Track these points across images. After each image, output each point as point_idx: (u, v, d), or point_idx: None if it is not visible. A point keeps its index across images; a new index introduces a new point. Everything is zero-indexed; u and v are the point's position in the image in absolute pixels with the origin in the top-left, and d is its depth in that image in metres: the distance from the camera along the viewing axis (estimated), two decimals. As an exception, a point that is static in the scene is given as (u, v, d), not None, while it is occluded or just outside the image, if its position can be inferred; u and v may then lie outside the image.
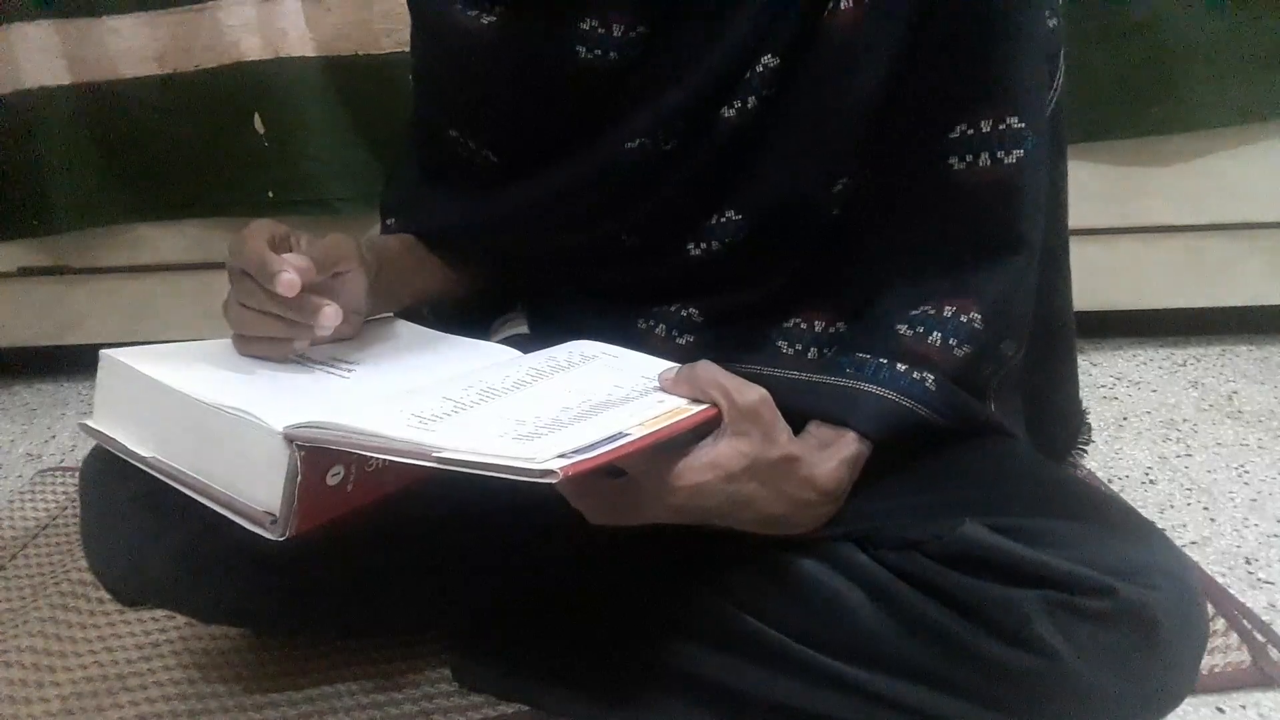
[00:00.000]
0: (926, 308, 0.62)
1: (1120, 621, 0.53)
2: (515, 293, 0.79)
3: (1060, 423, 0.82)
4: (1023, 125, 0.60)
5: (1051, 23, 0.63)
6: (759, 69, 0.62)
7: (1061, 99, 0.67)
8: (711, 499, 0.54)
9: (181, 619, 0.83)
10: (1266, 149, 1.22)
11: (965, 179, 0.61)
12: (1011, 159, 0.60)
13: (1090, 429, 0.86)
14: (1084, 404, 0.86)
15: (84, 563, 0.71)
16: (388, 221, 0.80)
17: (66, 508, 1.06)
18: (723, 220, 0.66)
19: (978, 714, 0.56)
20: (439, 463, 0.45)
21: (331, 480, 0.52)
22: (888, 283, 0.64)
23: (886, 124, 0.61)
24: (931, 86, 0.60)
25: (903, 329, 0.62)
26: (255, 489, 0.50)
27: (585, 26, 0.63)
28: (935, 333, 0.61)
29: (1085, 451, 0.86)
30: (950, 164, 0.61)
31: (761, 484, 0.55)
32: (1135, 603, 0.53)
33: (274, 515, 0.50)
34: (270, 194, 1.25)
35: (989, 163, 0.60)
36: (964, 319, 0.61)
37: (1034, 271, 0.65)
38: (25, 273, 1.35)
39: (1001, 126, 0.60)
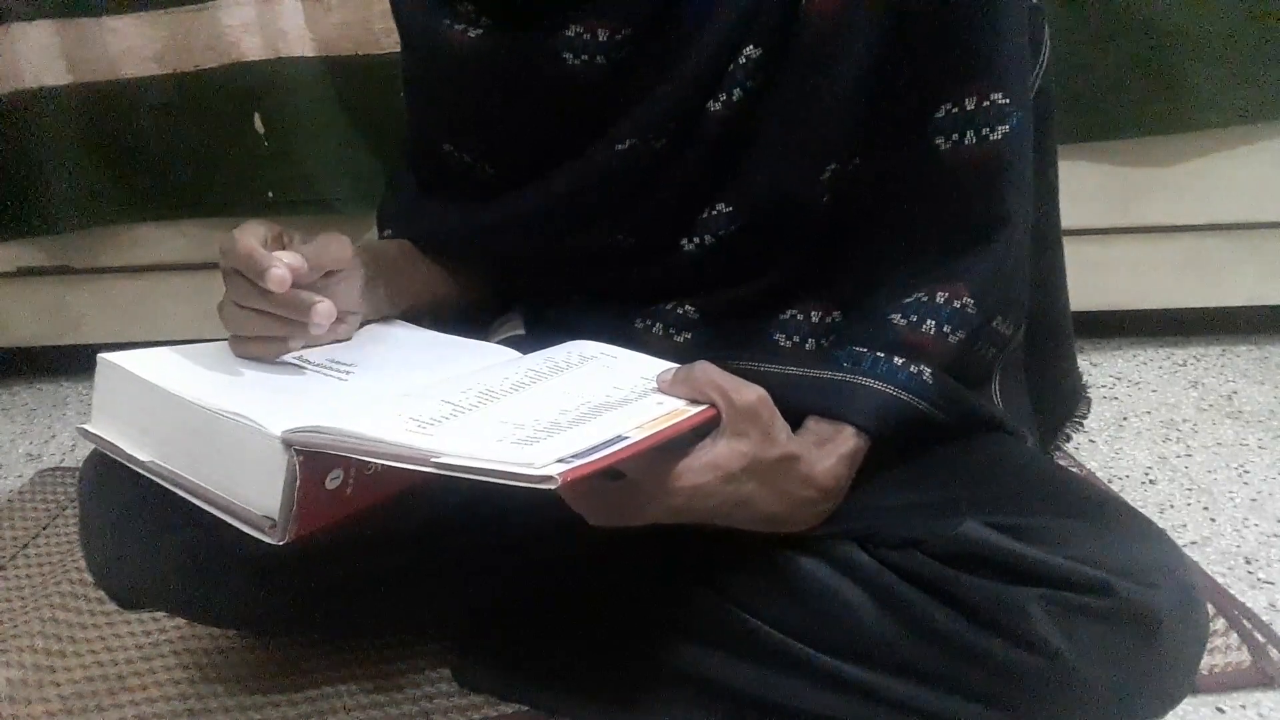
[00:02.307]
0: (920, 294, 0.62)
1: (1120, 620, 0.53)
2: (513, 295, 0.79)
3: (1049, 408, 0.82)
4: (1007, 101, 0.60)
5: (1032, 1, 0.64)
6: (742, 61, 0.62)
7: (1048, 80, 0.67)
8: (711, 499, 0.54)
9: (182, 619, 0.83)
10: (1266, 149, 1.22)
11: (951, 159, 0.61)
12: (997, 135, 0.60)
13: (1089, 403, 0.87)
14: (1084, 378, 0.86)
15: (84, 563, 0.71)
16: (385, 232, 0.80)
17: (66, 508, 1.06)
18: (715, 213, 0.66)
19: (978, 712, 0.56)
20: (437, 468, 0.45)
21: (330, 484, 0.52)
22: (880, 270, 0.64)
23: (872, 108, 0.61)
24: (915, 68, 0.60)
25: (896, 319, 0.62)
26: (254, 493, 0.50)
27: (571, 34, 0.63)
28: (929, 321, 0.61)
29: (1081, 427, 0.87)
30: (937, 144, 0.61)
31: (761, 483, 0.55)
32: (1135, 601, 0.53)
33: (273, 520, 0.50)
34: (270, 194, 1.25)
35: (974, 140, 0.60)
36: (956, 304, 0.61)
37: (1021, 245, 0.65)
38: (25, 273, 1.35)
39: (986, 103, 0.60)
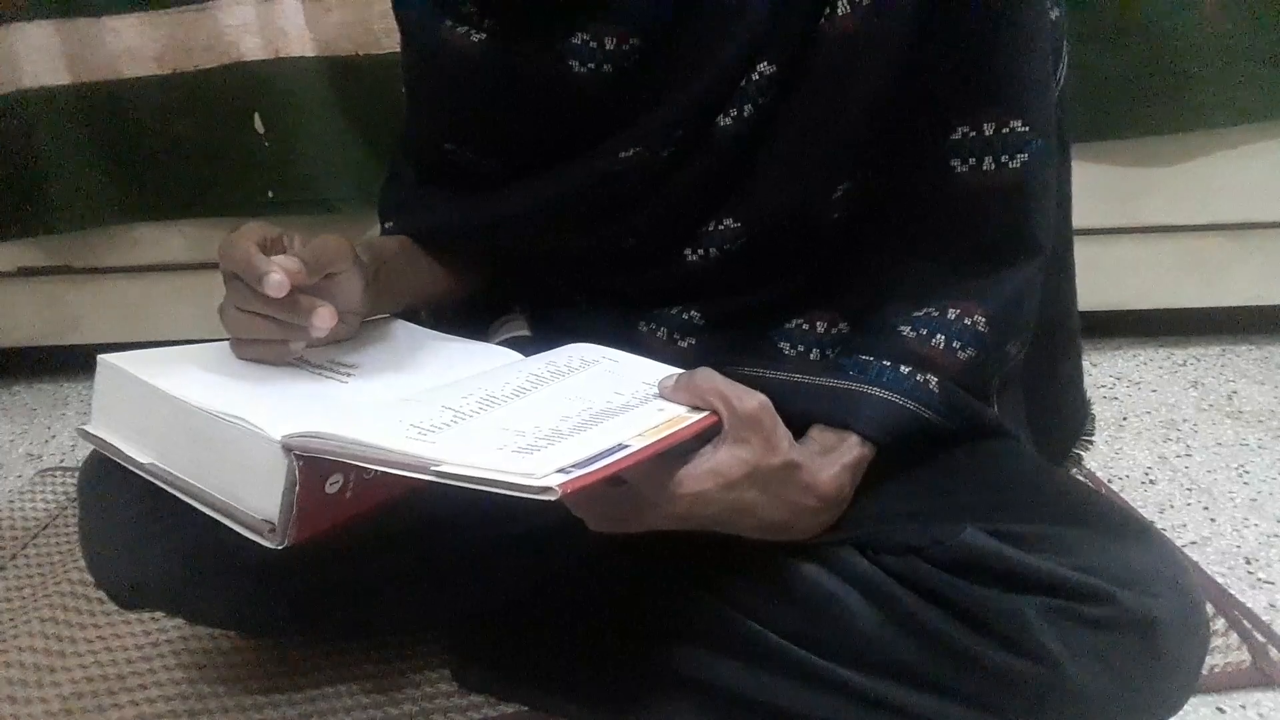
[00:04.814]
0: (930, 310, 0.62)
1: (1120, 628, 0.53)
2: (513, 294, 0.79)
3: (1062, 420, 0.82)
4: (1026, 129, 0.60)
5: (1054, 14, 0.63)
6: (755, 77, 0.61)
7: (1064, 91, 0.67)
8: (712, 507, 0.54)
9: (181, 619, 0.83)
10: (1266, 149, 1.22)
11: (969, 182, 0.61)
12: (1016, 163, 0.60)
13: (1094, 420, 0.86)
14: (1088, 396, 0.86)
15: (84, 563, 0.71)
16: (386, 224, 0.80)
17: (66, 508, 1.06)
18: (721, 227, 0.65)
19: (976, 718, 0.56)
20: (437, 476, 0.45)
21: (330, 488, 0.51)
22: (891, 285, 0.64)
23: (887, 128, 0.61)
24: (932, 89, 0.59)
25: (906, 330, 0.62)
26: (254, 497, 0.50)
27: (578, 41, 0.62)
28: (939, 335, 0.61)
29: (1090, 445, 0.86)
30: (952, 166, 0.61)
31: (762, 491, 0.55)
32: (1135, 610, 0.53)
33: (272, 523, 0.49)
34: (270, 194, 1.25)
35: (993, 167, 0.60)
36: (968, 322, 0.61)
37: (1043, 275, 0.64)
38: (25, 273, 1.35)
39: (1005, 130, 0.59)
